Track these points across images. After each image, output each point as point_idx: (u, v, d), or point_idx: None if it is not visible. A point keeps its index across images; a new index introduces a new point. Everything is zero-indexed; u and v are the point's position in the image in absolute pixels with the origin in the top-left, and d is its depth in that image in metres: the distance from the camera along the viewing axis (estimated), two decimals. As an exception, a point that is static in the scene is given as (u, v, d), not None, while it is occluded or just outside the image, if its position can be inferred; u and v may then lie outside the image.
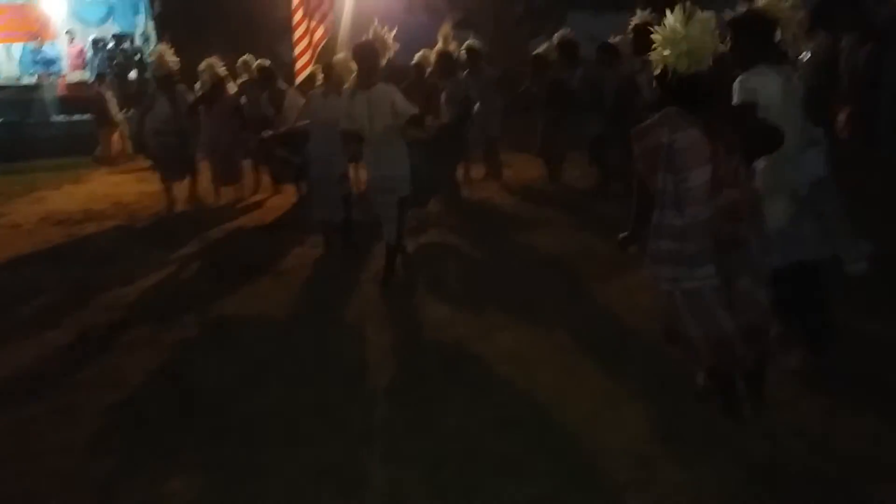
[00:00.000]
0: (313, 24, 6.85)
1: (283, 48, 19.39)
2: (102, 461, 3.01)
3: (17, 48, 16.13)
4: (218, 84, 7.94)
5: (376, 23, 5.04)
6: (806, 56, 8.26)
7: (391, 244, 5.02)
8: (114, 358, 4.07)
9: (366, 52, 4.82)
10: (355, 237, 5.91)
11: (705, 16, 2.67)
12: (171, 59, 7.56)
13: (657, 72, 2.74)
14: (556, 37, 7.69)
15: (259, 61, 8.10)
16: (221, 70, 7.99)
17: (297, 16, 6.81)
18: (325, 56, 7.22)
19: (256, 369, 3.80)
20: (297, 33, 6.81)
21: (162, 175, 7.91)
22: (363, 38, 5.03)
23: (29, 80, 14.87)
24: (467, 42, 7.87)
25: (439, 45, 7.15)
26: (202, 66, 8.04)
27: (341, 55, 5.87)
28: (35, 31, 15.48)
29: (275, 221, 7.32)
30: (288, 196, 8.11)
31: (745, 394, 2.94)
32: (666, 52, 2.66)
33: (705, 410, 3.00)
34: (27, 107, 13.89)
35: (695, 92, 2.67)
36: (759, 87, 2.96)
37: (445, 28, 7.23)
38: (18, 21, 15.78)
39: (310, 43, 6.96)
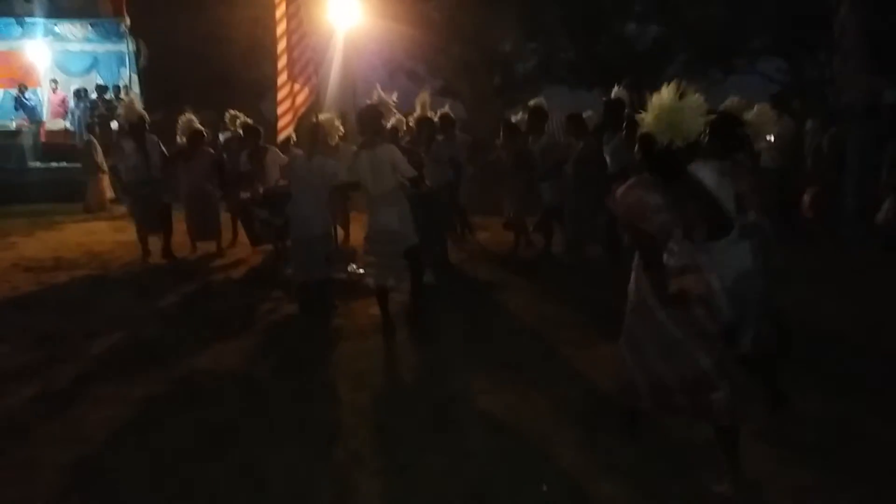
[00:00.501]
0: (297, 87, 6.97)
1: (266, 105, 19.70)
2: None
3: (-2, 94, 16.19)
4: (195, 138, 8.01)
5: (378, 88, 5.47)
6: (770, 139, 8.67)
7: (414, 289, 5.25)
8: (78, 412, 3.95)
9: (371, 115, 5.22)
10: (333, 297, 5.91)
11: (696, 98, 2.85)
12: (140, 107, 7.66)
13: (641, 137, 2.92)
14: (530, 103, 7.96)
15: (242, 119, 8.24)
16: (198, 125, 8.10)
17: (282, 77, 6.93)
18: (307, 118, 7.37)
19: (226, 428, 3.71)
20: (281, 94, 6.91)
21: (138, 225, 7.84)
22: (369, 102, 5.43)
23: (8, 125, 14.87)
24: (441, 110, 8.14)
25: (419, 113, 7.36)
26: (180, 121, 8.13)
27: (327, 115, 6.01)
28: (18, 78, 15.58)
29: (250, 277, 7.28)
30: (264, 251, 8.09)
31: (725, 463, 2.97)
32: (653, 123, 2.84)
33: (684, 486, 3.01)
34: (5, 152, 13.86)
35: (669, 164, 2.86)
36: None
37: (424, 95, 7.50)
38: (2, 68, 15.90)
39: (292, 104, 7.07)
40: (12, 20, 14.74)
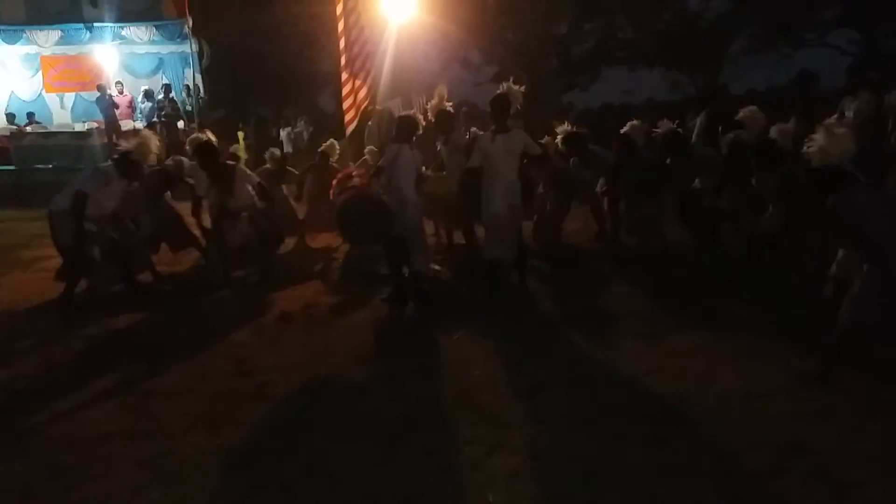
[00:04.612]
0: (358, 82, 7.06)
1: (323, 99, 19.96)
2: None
3: (69, 97, 16.90)
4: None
5: (511, 81, 5.86)
6: (849, 114, 8.20)
7: (509, 261, 5.84)
8: (153, 405, 4.05)
9: (502, 102, 5.71)
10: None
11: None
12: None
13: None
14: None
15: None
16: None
17: (345, 73, 7.04)
18: (367, 112, 7.42)
19: (295, 424, 3.75)
20: (345, 90, 7.04)
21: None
22: (499, 91, 5.80)
23: (81, 127, 15.49)
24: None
25: (435, 102, 7.28)
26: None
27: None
28: (88, 81, 16.20)
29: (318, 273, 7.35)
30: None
31: None
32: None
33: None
34: (78, 153, 14.45)
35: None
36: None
37: (441, 87, 7.48)
38: (72, 72, 16.59)
39: (354, 101, 7.18)
40: (81, 26, 15.33)
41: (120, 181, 6.15)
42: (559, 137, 7.57)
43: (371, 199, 5.80)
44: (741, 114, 7.06)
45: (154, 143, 6.42)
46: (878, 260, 3.70)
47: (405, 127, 5.97)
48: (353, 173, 6.83)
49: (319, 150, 8.47)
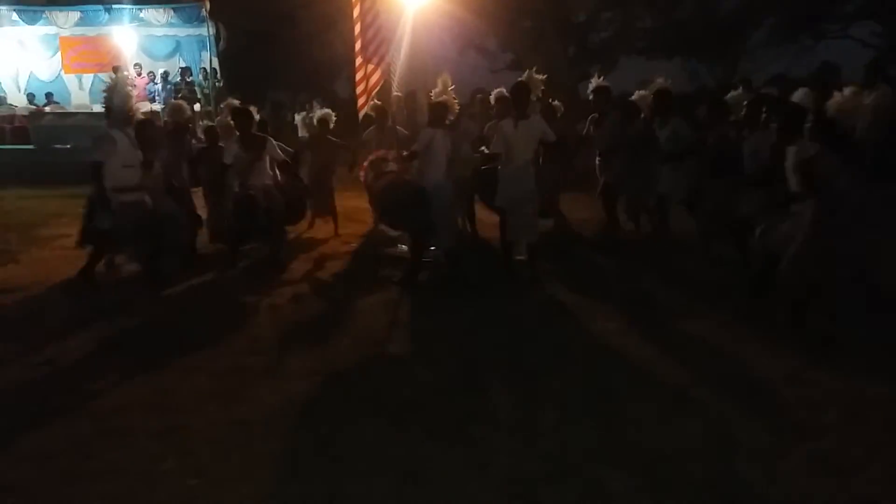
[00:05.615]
0: (370, 68, 7.06)
1: (338, 85, 20.00)
2: (154, 486, 3.05)
3: (87, 78, 17.02)
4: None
5: (533, 70, 6.44)
6: (868, 104, 8.11)
7: (534, 242, 6.07)
8: (167, 381, 4.15)
9: (523, 90, 6.01)
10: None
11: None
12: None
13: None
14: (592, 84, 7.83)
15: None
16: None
17: (359, 59, 7.04)
18: (382, 97, 7.49)
19: (304, 402, 3.84)
20: (358, 75, 7.07)
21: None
22: (519, 79, 6.28)
23: (99, 108, 15.59)
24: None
25: (438, 90, 7.27)
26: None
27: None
28: (106, 63, 16.29)
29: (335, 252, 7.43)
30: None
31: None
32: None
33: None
34: (95, 133, 14.54)
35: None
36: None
37: (444, 76, 7.43)
38: (90, 53, 16.70)
39: (366, 87, 7.18)
40: (100, 7, 15.41)
41: (122, 136, 6.06)
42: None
43: (412, 188, 6.01)
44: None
45: (127, 85, 6.40)
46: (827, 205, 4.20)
47: (438, 112, 6.21)
48: (388, 157, 6.86)
49: (317, 118, 8.46)
